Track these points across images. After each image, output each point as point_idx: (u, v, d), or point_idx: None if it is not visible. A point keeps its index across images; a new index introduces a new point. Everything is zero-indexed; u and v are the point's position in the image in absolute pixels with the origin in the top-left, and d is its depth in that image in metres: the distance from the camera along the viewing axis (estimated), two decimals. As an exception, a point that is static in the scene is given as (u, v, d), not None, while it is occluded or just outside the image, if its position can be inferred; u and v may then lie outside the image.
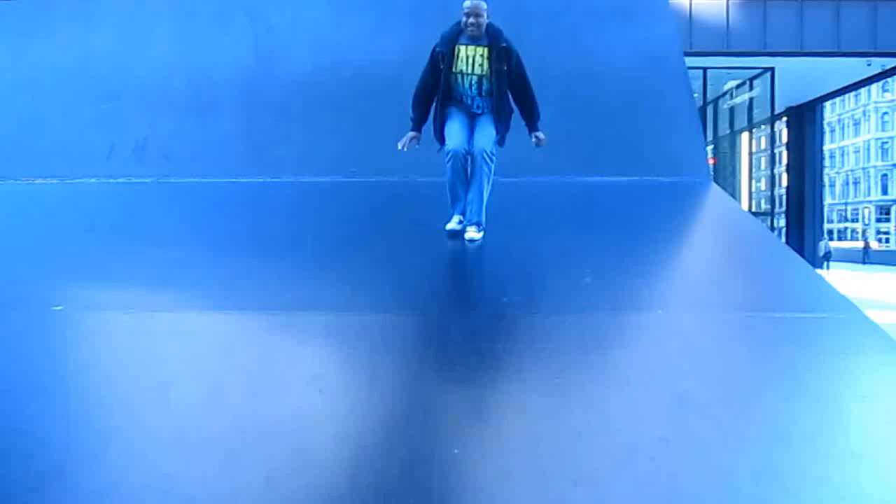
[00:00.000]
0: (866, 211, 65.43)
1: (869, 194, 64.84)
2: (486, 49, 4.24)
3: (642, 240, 4.36)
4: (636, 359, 3.24)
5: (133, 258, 4.21)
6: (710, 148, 23.26)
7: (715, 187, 5.17)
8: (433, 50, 4.33)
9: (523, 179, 4.88)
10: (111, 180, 5.29)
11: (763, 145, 28.17)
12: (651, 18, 5.65)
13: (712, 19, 17.92)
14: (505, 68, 4.25)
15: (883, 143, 62.60)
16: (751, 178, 24.47)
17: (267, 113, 5.47)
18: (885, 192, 63.25)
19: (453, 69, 4.28)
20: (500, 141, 4.41)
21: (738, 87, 22.61)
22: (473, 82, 4.28)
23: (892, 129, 61.75)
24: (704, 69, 19.91)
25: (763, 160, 29.16)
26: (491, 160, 4.23)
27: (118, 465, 2.56)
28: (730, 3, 17.97)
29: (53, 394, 3.00)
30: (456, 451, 2.55)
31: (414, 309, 3.44)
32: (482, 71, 4.26)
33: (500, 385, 2.92)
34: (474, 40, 4.24)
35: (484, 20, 4.23)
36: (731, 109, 23.51)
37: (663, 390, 2.96)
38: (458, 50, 4.27)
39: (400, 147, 4.37)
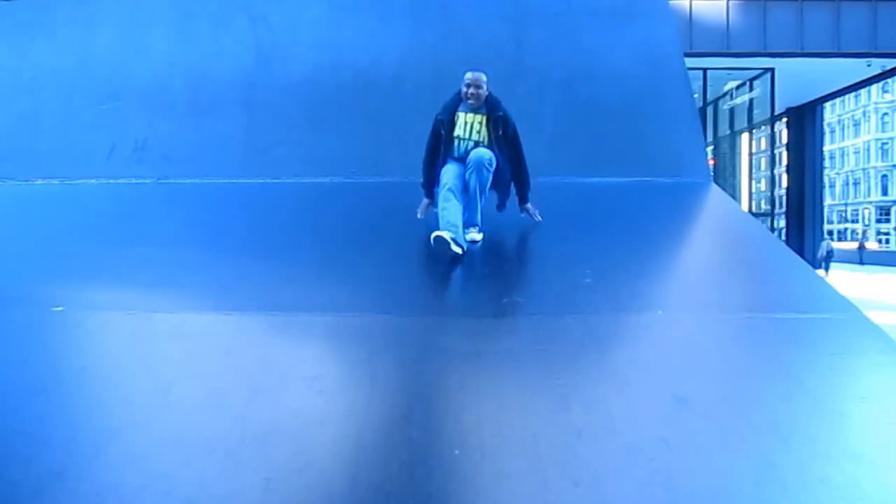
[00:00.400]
0: (866, 212, 65.41)
1: (869, 195, 64.82)
2: (483, 117, 4.40)
3: (642, 240, 4.36)
4: (636, 359, 3.24)
5: (133, 259, 4.22)
6: (710, 149, 23.27)
7: (715, 188, 5.17)
8: (435, 118, 4.48)
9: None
10: (111, 181, 5.29)
11: (763, 146, 28.17)
12: (651, 19, 5.65)
13: (712, 20, 17.92)
14: (502, 134, 4.38)
15: (883, 143, 62.59)
16: (751, 178, 24.45)
17: (267, 114, 5.47)
18: (885, 192, 63.23)
19: (453, 133, 4.41)
20: (500, 206, 4.56)
21: (738, 87, 22.60)
22: (470, 148, 4.35)
23: (892, 129, 61.72)
24: (704, 70, 19.91)
25: (763, 161, 29.17)
26: (489, 168, 4.26)
27: (118, 465, 2.56)
28: (730, 3, 17.97)
29: (54, 394, 3.00)
30: (456, 451, 2.55)
31: (414, 310, 3.44)
32: (479, 137, 4.38)
33: (500, 386, 2.92)
34: (473, 109, 4.40)
35: (484, 91, 4.38)
36: (731, 110, 23.51)
37: (663, 391, 2.96)
38: (458, 116, 4.43)
39: (419, 216, 4.57)
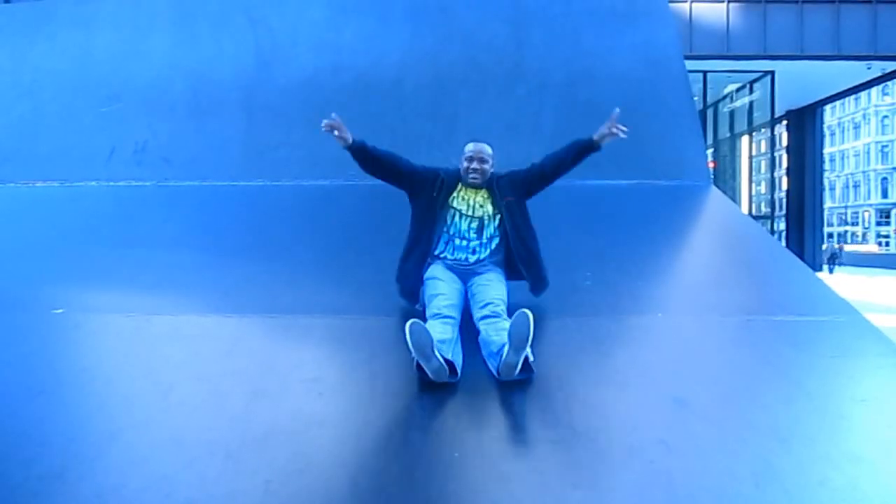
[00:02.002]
0: (866, 214, 65.37)
1: (869, 198, 64.77)
2: (487, 190, 3.51)
3: (642, 243, 4.36)
4: (636, 362, 3.24)
5: (133, 261, 4.22)
6: (710, 151, 23.27)
7: (715, 191, 5.18)
8: (435, 168, 3.59)
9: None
10: (111, 183, 5.29)
11: (763, 149, 28.15)
12: (651, 22, 5.65)
13: (712, 23, 17.93)
14: (512, 200, 3.49)
15: (883, 146, 62.56)
16: (751, 181, 24.47)
17: (267, 116, 5.47)
18: (885, 195, 63.18)
19: (448, 200, 3.48)
20: (535, 289, 3.51)
21: (738, 90, 22.61)
22: (473, 226, 3.45)
23: (893, 132, 61.68)
24: (704, 72, 19.92)
25: (763, 163, 29.15)
26: (507, 314, 3.11)
27: (119, 467, 2.56)
28: (730, 6, 17.99)
29: (54, 396, 3.01)
30: (456, 454, 2.55)
31: (414, 312, 3.43)
32: (483, 213, 3.47)
33: (499, 388, 2.92)
34: (475, 185, 3.52)
35: (489, 167, 3.51)
36: (732, 113, 23.52)
37: (663, 393, 2.96)
38: (458, 187, 3.53)
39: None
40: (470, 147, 3.55)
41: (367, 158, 3.45)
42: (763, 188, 30.10)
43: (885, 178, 63.19)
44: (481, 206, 3.47)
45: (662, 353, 3.33)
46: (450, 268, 3.40)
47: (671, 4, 7.23)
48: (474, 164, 3.47)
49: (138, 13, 5.92)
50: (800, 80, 19.79)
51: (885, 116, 62.47)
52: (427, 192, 3.46)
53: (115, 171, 5.36)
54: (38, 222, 4.90)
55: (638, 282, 3.94)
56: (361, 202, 4.81)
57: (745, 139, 23.32)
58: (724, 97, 23.40)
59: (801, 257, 14.76)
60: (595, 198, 4.87)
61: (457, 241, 3.43)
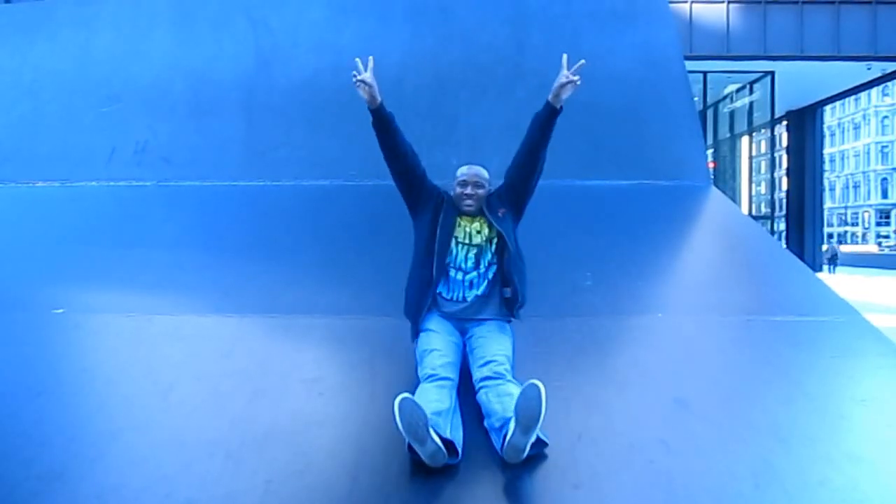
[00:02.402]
0: (866, 215, 65.40)
1: (869, 198, 64.80)
2: (482, 216, 3.17)
3: (642, 243, 4.36)
4: (636, 362, 3.24)
5: (133, 261, 4.22)
6: (710, 151, 23.29)
7: (715, 191, 5.18)
8: (440, 188, 3.28)
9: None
10: (112, 183, 5.29)
11: (763, 149, 28.15)
12: (651, 22, 5.65)
13: (712, 23, 17.94)
14: (502, 215, 3.16)
15: (883, 146, 62.59)
16: (751, 181, 24.48)
17: (267, 116, 5.47)
18: (885, 195, 63.22)
19: (452, 229, 3.13)
20: (516, 300, 3.10)
21: (738, 90, 22.63)
22: (471, 255, 3.10)
23: (893, 132, 61.70)
24: (705, 73, 19.94)
25: (763, 164, 29.15)
26: (511, 372, 2.82)
27: (119, 467, 2.56)
28: (730, 7, 17.99)
29: (54, 396, 3.01)
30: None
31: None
32: (482, 239, 3.13)
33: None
34: (470, 213, 3.17)
35: (485, 192, 3.18)
36: (732, 113, 23.53)
37: (663, 393, 2.97)
38: (456, 218, 3.17)
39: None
40: (463, 170, 3.21)
41: (391, 130, 3.11)
42: (763, 188, 30.10)
43: (884, 179, 63.21)
44: (478, 233, 3.14)
45: (662, 354, 3.33)
46: (445, 317, 3.04)
47: (671, 5, 7.23)
48: (468, 190, 3.14)
49: (139, 13, 5.92)
50: (800, 80, 19.80)
51: (885, 117, 62.49)
52: (430, 210, 3.15)
53: (115, 171, 5.36)
54: (38, 222, 4.90)
55: (638, 282, 3.94)
56: (361, 202, 4.81)
57: (745, 139, 23.34)
58: (724, 97, 23.41)
59: (801, 258, 14.77)
60: (595, 198, 4.87)
61: (452, 273, 3.07)
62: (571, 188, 4.77)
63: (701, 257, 4.47)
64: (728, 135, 23.78)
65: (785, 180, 25.40)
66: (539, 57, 5.41)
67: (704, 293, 3.93)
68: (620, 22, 5.63)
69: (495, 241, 3.13)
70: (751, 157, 23.82)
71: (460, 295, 3.08)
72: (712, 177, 16.21)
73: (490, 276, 3.11)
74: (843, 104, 58.85)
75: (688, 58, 8.97)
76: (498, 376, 2.73)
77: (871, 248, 52.68)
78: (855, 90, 22.18)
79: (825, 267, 25.71)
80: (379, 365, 3.13)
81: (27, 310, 3.74)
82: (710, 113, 23.36)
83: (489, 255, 3.12)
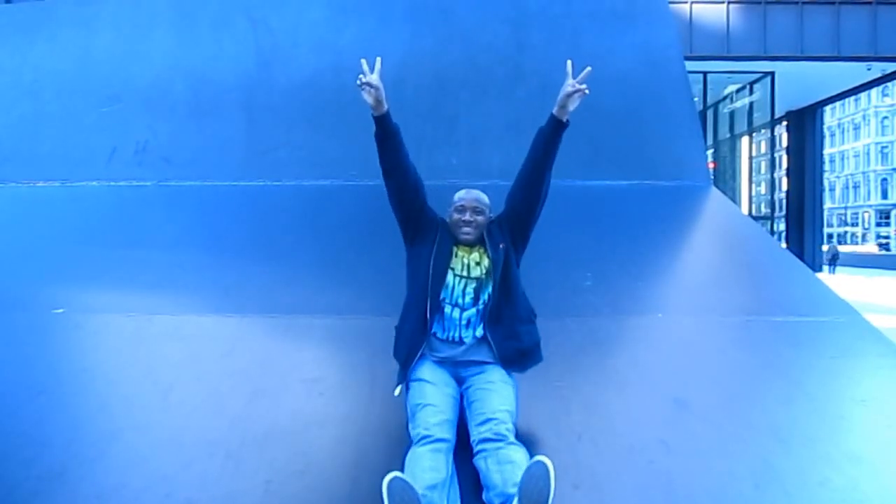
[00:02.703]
0: (866, 215, 65.44)
1: (869, 198, 64.86)
2: (480, 246, 2.86)
3: (642, 243, 4.36)
4: (636, 362, 3.24)
5: (134, 261, 4.22)
6: (710, 152, 23.30)
7: (715, 191, 5.18)
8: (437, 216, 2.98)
9: (523, 183, 4.88)
10: (112, 183, 5.29)
11: (763, 149, 28.18)
12: (651, 22, 5.65)
13: (713, 23, 17.95)
14: (502, 248, 2.82)
15: (883, 147, 62.65)
16: (751, 181, 24.50)
17: (268, 116, 5.47)
18: (884, 196, 63.27)
19: (449, 259, 2.82)
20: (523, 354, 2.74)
21: (738, 91, 22.64)
22: (469, 290, 2.76)
23: (892, 133, 61.76)
24: (705, 73, 19.95)
25: (763, 164, 29.17)
26: (514, 430, 2.50)
27: (119, 467, 2.56)
28: (730, 7, 18.00)
29: (54, 396, 3.01)
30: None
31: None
32: (481, 272, 2.79)
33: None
34: (469, 242, 2.87)
35: (485, 219, 2.89)
36: (732, 113, 23.54)
37: (663, 393, 2.97)
38: (453, 248, 2.87)
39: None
40: (461, 195, 2.91)
41: (395, 144, 2.81)
42: (763, 189, 30.12)
43: (884, 179, 63.25)
44: (477, 265, 2.80)
45: (662, 354, 3.33)
46: (440, 364, 2.70)
47: (671, 5, 7.23)
48: (467, 216, 2.84)
49: (139, 13, 5.92)
50: (800, 80, 19.82)
51: (885, 117, 62.53)
52: (428, 242, 2.83)
53: (115, 171, 5.36)
54: (38, 222, 4.90)
55: (638, 282, 3.94)
56: (362, 202, 4.81)
57: (745, 140, 23.36)
58: (725, 98, 23.42)
59: (801, 258, 14.78)
60: (595, 198, 4.87)
61: (447, 311, 2.73)
62: (571, 188, 4.76)
63: (701, 258, 4.47)
64: (728, 135, 23.79)
65: (785, 180, 25.42)
66: (539, 57, 5.41)
67: (704, 293, 3.93)
68: (620, 22, 5.63)
69: (496, 268, 2.78)
70: (751, 158, 23.85)
71: (456, 334, 2.72)
72: (712, 177, 16.21)
73: (494, 320, 2.74)
74: (843, 105, 58.94)
75: (688, 58, 8.98)
76: (499, 438, 2.41)
77: (871, 248, 52.72)
78: (855, 90, 22.19)
79: (825, 267, 25.73)
80: (379, 365, 3.13)
81: (27, 310, 3.74)
82: (710, 113, 23.38)
83: (489, 290, 2.76)
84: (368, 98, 2.76)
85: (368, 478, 2.47)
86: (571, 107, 2.83)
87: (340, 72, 5.43)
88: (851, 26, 17.84)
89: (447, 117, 5.34)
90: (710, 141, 22.89)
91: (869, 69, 18.90)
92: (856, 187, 66.56)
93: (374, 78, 2.77)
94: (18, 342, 3.46)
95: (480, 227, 2.86)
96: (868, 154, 64.26)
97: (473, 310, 2.75)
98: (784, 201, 25.26)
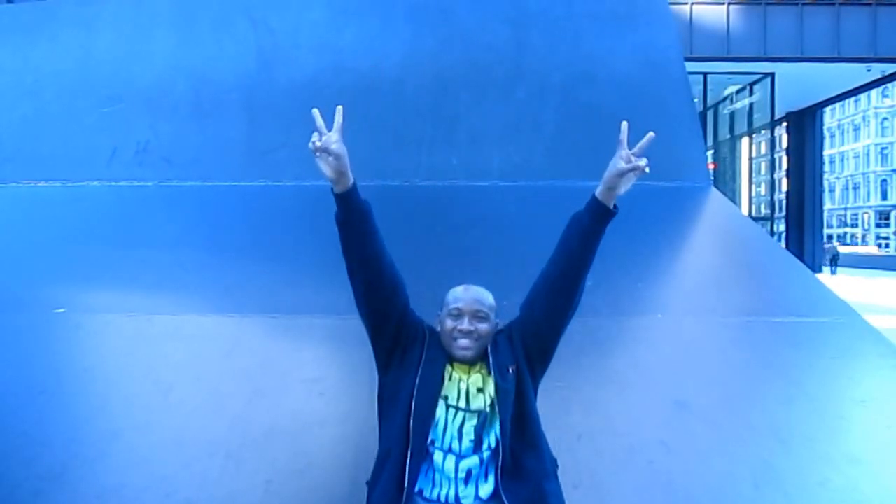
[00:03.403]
0: (866, 216, 65.48)
1: (868, 199, 64.92)
2: (483, 364, 2.07)
3: (642, 244, 4.36)
4: (636, 363, 3.24)
5: (134, 261, 4.22)
6: (710, 152, 23.30)
7: (715, 192, 5.18)
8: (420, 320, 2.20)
9: (523, 184, 4.89)
10: (113, 183, 5.29)
11: (763, 150, 28.21)
12: (652, 23, 5.66)
13: (713, 25, 17.96)
14: (513, 370, 2.07)
15: (882, 148, 62.72)
16: (751, 182, 24.53)
17: (268, 117, 5.47)
18: (884, 197, 63.33)
19: (440, 386, 2.02)
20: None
21: (738, 92, 22.66)
22: (469, 428, 1.98)
23: (892, 134, 61.83)
24: (705, 74, 19.97)
25: (763, 165, 29.20)
26: None
27: (119, 467, 2.56)
28: (730, 8, 18.02)
29: (55, 396, 3.01)
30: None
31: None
32: (484, 403, 2.00)
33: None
34: (469, 360, 2.06)
35: (490, 329, 2.09)
36: (732, 114, 23.57)
37: (663, 394, 2.97)
38: (445, 368, 2.06)
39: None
40: (457, 293, 2.13)
41: (365, 227, 2.21)
42: (763, 189, 30.15)
43: (884, 180, 63.28)
44: (480, 391, 2.02)
45: (662, 354, 3.33)
46: None
47: (671, 6, 7.24)
48: (465, 325, 2.05)
49: (140, 14, 5.93)
50: (800, 81, 19.84)
51: (885, 118, 62.58)
52: (412, 360, 2.06)
53: (116, 172, 5.36)
54: (39, 222, 4.91)
55: (638, 283, 3.94)
56: (362, 203, 4.81)
57: (745, 141, 23.38)
58: (725, 99, 23.44)
59: (801, 259, 14.77)
60: (595, 199, 4.86)
61: (437, 459, 1.95)
62: (571, 189, 4.76)
63: (701, 258, 4.47)
64: (728, 136, 23.81)
65: (785, 181, 25.44)
66: (539, 57, 5.41)
67: (704, 294, 3.93)
68: (621, 23, 5.64)
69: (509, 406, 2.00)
70: (751, 159, 23.88)
71: (451, 493, 1.93)
72: (712, 178, 16.22)
73: (499, 461, 1.96)
74: (843, 106, 58.92)
75: (688, 59, 8.98)
76: None
77: (871, 249, 52.72)
78: (855, 91, 22.24)
79: (825, 268, 25.74)
80: (379, 365, 3.13)
81: (28, 310, 3.74)
82: (710, 114, 23.40)
83: (497, 428, 1.97)
84: (326, 169, 2.02)
85: (368, 477, 2.47)
86: (623, 189, 2.14)
87: (341, 72, 5.44)
88: (851, 27, 17.86)
89: (447, 117, 5.34)
90: (710, 142, 22.90)
91: (869, 70, 18.93)
92: (855, 188, 66.60)
93: (333, 140, 2.01)
94: (19, 342, 3.46)
95: (483, 339, 2.06)
96: (868, 155, 64.31)
97: (475, 458, 1.96)
98: (784, 202, 25.28)
